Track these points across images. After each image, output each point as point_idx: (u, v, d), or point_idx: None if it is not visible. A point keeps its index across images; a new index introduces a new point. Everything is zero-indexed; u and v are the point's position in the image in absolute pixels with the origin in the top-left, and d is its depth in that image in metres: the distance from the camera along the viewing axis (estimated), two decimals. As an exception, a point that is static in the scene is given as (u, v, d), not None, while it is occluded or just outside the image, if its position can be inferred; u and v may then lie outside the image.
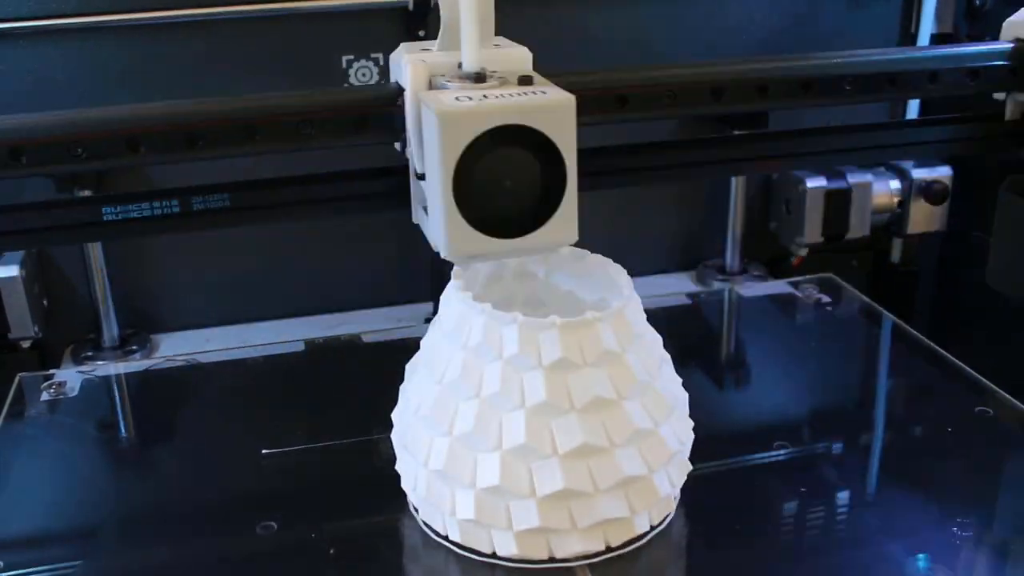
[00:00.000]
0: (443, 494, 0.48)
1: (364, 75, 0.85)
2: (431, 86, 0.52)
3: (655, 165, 0.66)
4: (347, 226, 0.91)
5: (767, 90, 0.62)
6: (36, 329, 0.82)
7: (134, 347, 0.87)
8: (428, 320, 0.91)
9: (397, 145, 0.57)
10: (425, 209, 0.55)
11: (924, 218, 0.98)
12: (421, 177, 0.53)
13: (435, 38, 0.56)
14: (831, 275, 0.81)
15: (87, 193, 0.79)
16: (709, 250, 1.02)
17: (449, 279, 0.51)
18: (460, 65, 0.51)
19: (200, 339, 0.90)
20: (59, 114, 0.54)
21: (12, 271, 0.80)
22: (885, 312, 0.76)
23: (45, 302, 0.86)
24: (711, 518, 0.53)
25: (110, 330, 0.86)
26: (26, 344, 0.83)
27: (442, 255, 0.49)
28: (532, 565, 0.48)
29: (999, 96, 0.69)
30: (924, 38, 0.96)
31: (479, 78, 0.50)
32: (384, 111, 0.56)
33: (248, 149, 0.55)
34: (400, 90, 0.54)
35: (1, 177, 0.53)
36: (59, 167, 0.54)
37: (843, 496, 0.55)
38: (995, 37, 0.71)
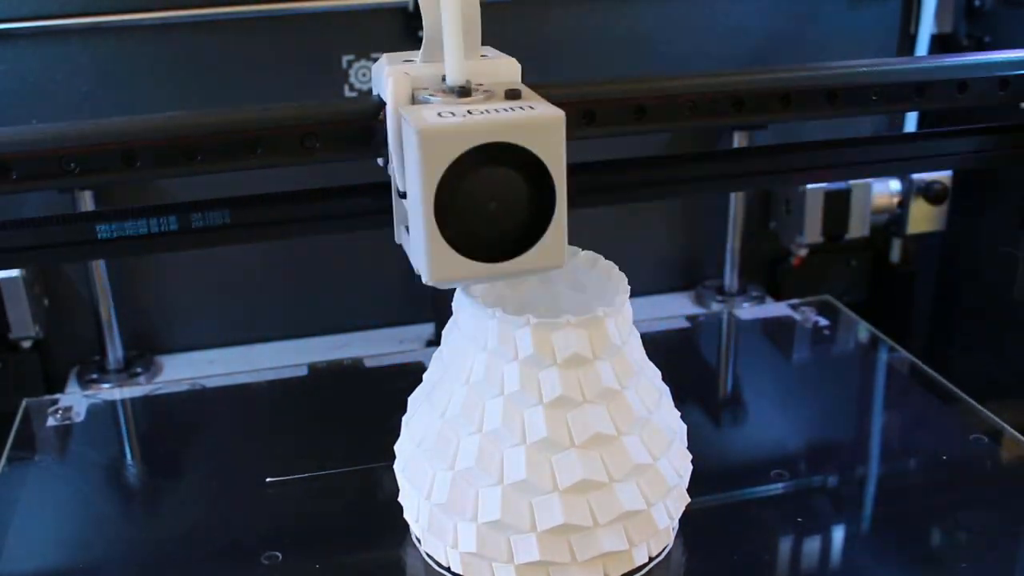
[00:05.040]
0: (445, 527, 0.49)
1: (364, 75, 0.85)
2: (414, 100, 0.49)
3: (649, 181, 0.63)
4: (350, 247, 0.91)
5: (790, 100, 0.58)
6: (37, 329, 0.83)
7: (139, 369, 0.88)
8: (430, 342, 0.91)
9: (379, 161, 0.55)
10: (407, 229, 0.52)
11: (924, 218, 0.98)
12: (403, 196, 0.50)
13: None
14: (828, 297, 0.81)
15: (89, 195, 0.79)
16: (708, 269, 1.02)
17: (450, 301, 0.51)
18: (444, 78, 0.48)
19: (204, 361, 0.90)
20: (50, 127, 0.51)
21: (13, 271, 0.80)
22: (882, 336, 0.76)
23: (46, 302, 0.86)
24: (709, 548, 0.53)
25: (115, 352, 0.87)
26: (27, 344, 0.84)
27: (423, 279, 0.46)
28: (533, 597, 0.49)
29: None
30: (924, 38, 0.96)
31: (463, 92, 0.47)
32: (365, 126, 0.52)
33: (248, 163, 0.53)
34: (381, 104, 0.51)
35: None
36: (50, 182, 0.51)
37: (840, 526, 0.56)
38: (995, 38, 0.70)
